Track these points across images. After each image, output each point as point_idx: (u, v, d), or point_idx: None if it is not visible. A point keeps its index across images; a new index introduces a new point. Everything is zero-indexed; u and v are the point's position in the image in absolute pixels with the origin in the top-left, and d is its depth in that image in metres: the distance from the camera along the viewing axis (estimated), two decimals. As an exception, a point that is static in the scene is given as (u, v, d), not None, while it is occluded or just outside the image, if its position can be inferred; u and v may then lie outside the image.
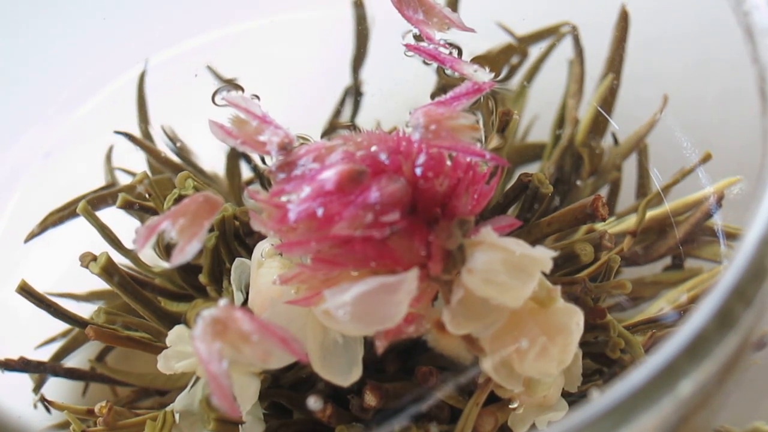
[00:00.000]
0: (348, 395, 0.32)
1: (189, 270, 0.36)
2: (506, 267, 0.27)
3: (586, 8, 0.41)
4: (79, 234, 0.37)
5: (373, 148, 0.28)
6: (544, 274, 0.28)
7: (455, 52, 0.34)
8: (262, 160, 0.38)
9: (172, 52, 0.43)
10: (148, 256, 0.37)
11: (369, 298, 0.26)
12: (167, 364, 0.32)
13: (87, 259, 0.34)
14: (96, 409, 0.34)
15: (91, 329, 0.34)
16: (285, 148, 0.29)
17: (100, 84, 0.42)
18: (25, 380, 0.38)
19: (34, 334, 0.39)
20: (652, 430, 0.23)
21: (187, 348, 0.32)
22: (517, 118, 0.37)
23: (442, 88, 0.38)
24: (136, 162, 0.41)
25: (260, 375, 0.32)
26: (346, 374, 0.29)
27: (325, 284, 0.28)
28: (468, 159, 0.28)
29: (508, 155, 0.38)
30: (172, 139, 0.42)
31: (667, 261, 0.40)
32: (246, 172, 0.41)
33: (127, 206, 0.36)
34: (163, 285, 0.37)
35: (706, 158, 0.37)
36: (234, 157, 0.40)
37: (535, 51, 0.42)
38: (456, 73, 0.32)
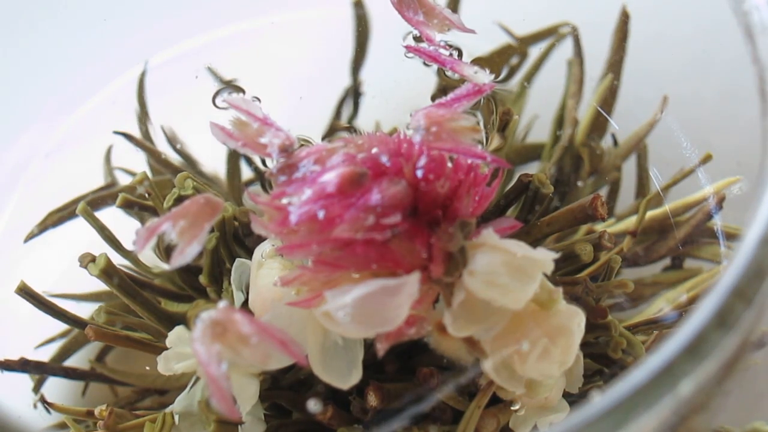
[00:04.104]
0: (349, 396, 0.32)
1: (189, 271, 0.36)
2: (508, 269, 0.27)
3: (585, 8, 0.41)
4: (79, 234, 0.37)
5: (374, 151, 0.28)
6: (545, 274, 0.28)
7: (455, 54, 0.34)
8: (263, 161, 0.38)
9: (172, 52, 0.43)
10: (148, 256, 0.37)
11: (370, 301, 0.26)
12: (167, 365, 0.32)
13: (86, 260, 0.34)
14: (96, 412, 0.34)
15: (91, 329, 0.34)
16: (286, 150, 0.29)
17: (100, 84, 0.42)
18: (25, 380, 0.38)
19: (34, 334, 0.39)
20: (652, 429, 0.23)
21: (187, 349, 0.32)
22: (516, 118, 0.37)
23: (442, 90, 0.38)
24: (136, 162, 0.41)
25: (259, 376, 0.32)
26: (346, 376, 0.29)
27: (326, 286, 0.28)
28: (469, 161, 0.28)
29: (507, 156, 0.38)
30: (172, 139, 0.42)
31: (667, 261, 0.40)
32: (246, 173, 0.41)
33: (127, 206, 0.36)
34: (162, 286, 0.37)
35: (707, 159, 0.37)
36: (234, 158, 0.40)
37: (534, 51, 0.42)
38: (456, 75, 0.32)
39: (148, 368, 0.37)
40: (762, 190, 0.26)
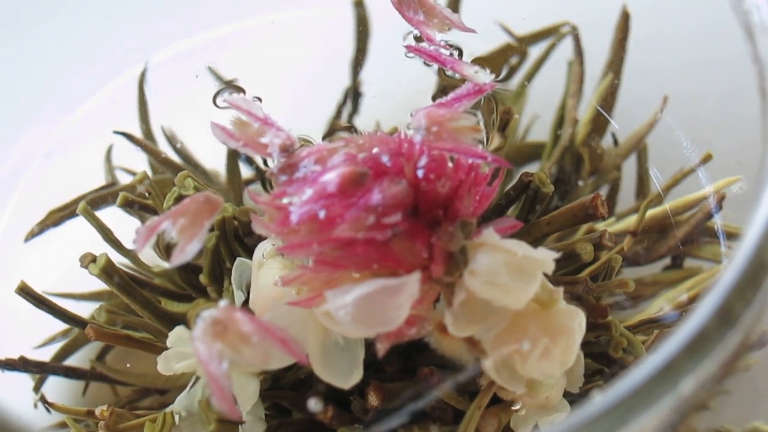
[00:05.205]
0: (350, 396, 0.32)
1: (189, 270, 0.36)
2: (508, 269, 0.27)
3: (586, 8, 0.41)
4: (80, 233, 0.37)
5: (375, 150, 0.28)
6: (546, 273, 0.28)
7: (456, 53, 0.34)
8: (264, 161, 0.38)
9: (172, 51, 0.43)
10: (148, 255, 0.37)
11: (370, 300, 0.26)
12: (167, 365, 0.32)
13: (87, 260, 0.34)
14: (97, 412, 0.34)
15: (91, 329, 0.34)
16: (287, 150, 0.29)
17: (101, 84, 0.42)
18: (25, 379, 0.38)
19: (35, 334, 0.39)
20: (653, 429, 0.23)
21: (188, 349, 0.32)
22: (517, 118, 0.37)
23: (443, 90, 0.38)
24: (137, 161, 0.41)
25: (260, 375, 0.32)
26: (347, 376, 0.29)
27: (326, 286, 0.28)
28: (470, 161, 0.28)
29: (508, 155, 0.38)
30: (172, 139, 0.42)
31: (667, 260, 0.40)
32: (246, 172, 0.41)
33: (127, 205, 0.36)
34: (163, 285, 0.37)
35: (707, 159, 0.37)
36: (235, 158, 0.40)
37: (535, 51, 0.42)
38: (457, 74, 0.32)
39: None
40: (762, 189, 0.26)
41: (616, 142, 0.41)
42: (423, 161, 0.28)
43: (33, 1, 0.42)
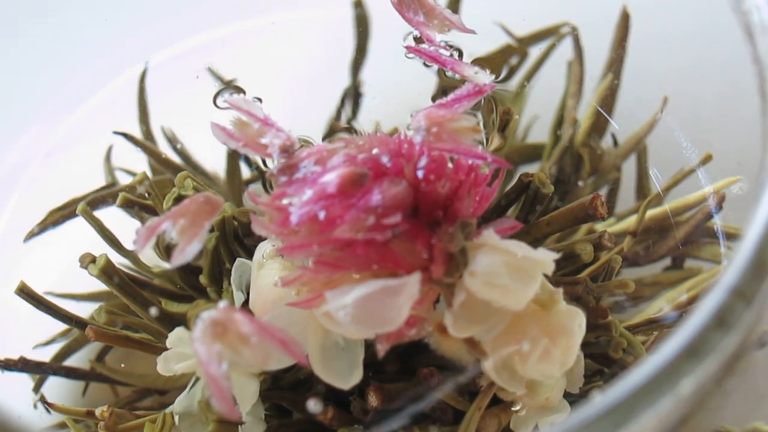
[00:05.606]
0: (349, 396, 0.32)
1: (189, 271, 0.36)
2: (508, 269, 0.27)
3: (585, 9, 0.41)
4: (79, 233, 0.37)
5: (375, 151, 0.28)
6: (546, 274, 0.28)
7: (456, 54, 0.34)
8: (264, 162, 0.38)
9: (172, 52, 0.43)
10: (149, 256, 0.37)
11: (370, 301, 0.26)
12: (167, 365, 0.32)
13: (86, 261, 0.34)
14: (97, 413, 0.34)
15: (91, 330, 0.34)
16: (287, 150, 0.29)
17: (101, 84, 0.42)
18: (25, 380, 0.38)
19: (35, 334, 0.39)
20: (653, 429, 0.23)
21: (188, 350, 0.32)
22: (517, 118, 0.37)
23: (442, 90, 0.38)
24: (137, 162, 0.41)
25: (260, 376, 0.32)
26: (347, 377, 0.29)
27: (326, 287, 0.28)
28: (470, 161, 0.28)
29: (507, 155, 0.38)
30: (172, 139, 0.42)
31: (667, 261, 0.40)
32: (246, 173, 0.41)
33: (127, 205, 0.36)
34: (163, 286, 0.37)
35: (707, 159, 0.37)
36: (234, 159, 0.40)
37: (534, 51, 0.42)
38: (457, 75, 0.32)
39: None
40: (762, 190, 0.26)
41: (615, 142, 0.41)
42: (423, 162, 0.28)
43: (33, 1, 0.42)
